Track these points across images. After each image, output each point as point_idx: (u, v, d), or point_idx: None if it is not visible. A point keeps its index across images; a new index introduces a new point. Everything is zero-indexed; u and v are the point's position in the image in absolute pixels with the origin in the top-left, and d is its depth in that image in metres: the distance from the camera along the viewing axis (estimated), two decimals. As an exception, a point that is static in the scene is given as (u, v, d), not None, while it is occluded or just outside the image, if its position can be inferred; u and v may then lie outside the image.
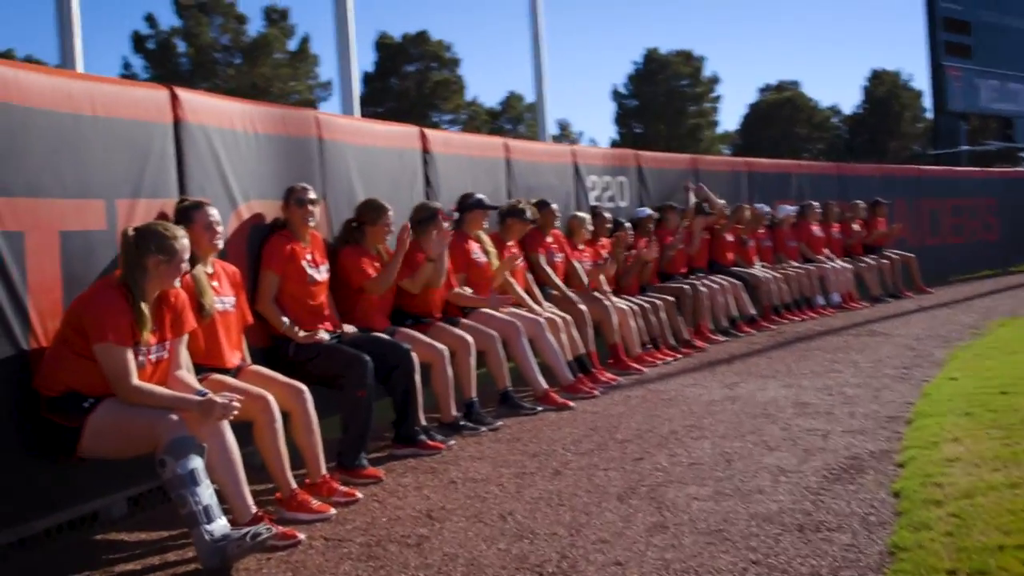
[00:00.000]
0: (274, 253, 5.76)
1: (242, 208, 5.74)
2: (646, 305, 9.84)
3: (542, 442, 6.26)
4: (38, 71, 4.48)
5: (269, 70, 37.22)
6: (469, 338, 6.96)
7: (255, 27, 39.12)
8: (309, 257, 5.93)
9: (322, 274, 6.01)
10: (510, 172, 9.12)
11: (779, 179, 14.47)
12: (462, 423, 6.71)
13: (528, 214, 8.36)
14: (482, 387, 7.10)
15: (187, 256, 4.45)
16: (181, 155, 5.27)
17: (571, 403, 7.47)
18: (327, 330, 5.95)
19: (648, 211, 10.86)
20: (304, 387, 5.13)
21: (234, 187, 5.67)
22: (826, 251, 13.90)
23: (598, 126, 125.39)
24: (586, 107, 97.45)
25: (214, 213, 5.08)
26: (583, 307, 8.72)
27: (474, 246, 7.84)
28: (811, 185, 14.92)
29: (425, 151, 7.84)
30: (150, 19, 37.13)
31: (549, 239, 9.06)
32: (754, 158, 15.67)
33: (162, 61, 36.73)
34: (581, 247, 9.56)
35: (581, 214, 9.72)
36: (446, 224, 7.04)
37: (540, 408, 7.35)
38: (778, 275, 12.44)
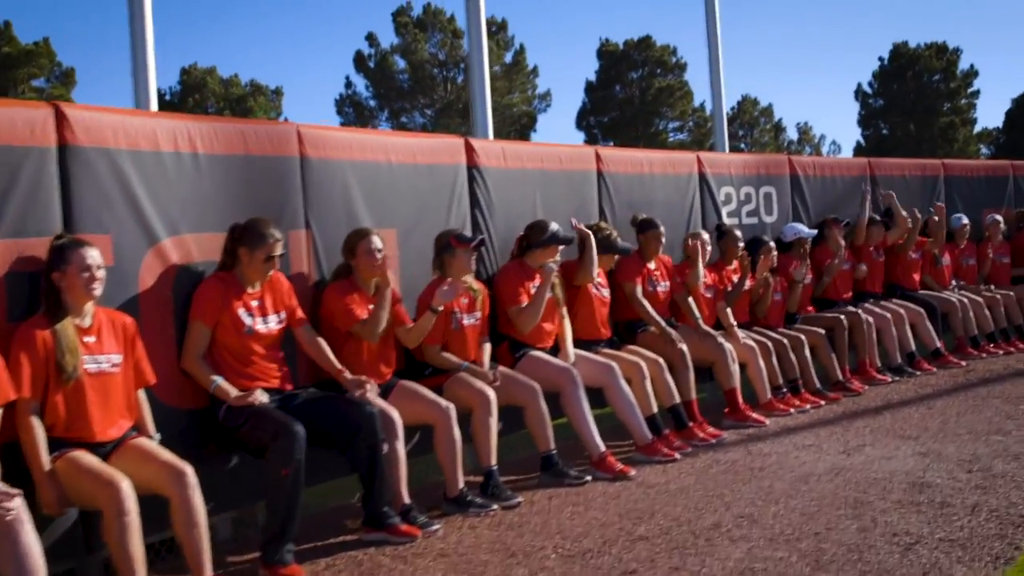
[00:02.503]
0: (200, 300, 4.78)
1: (166, 243, 4.78)
2: (784, 341, 8.24)
3: (540, 533, 4.93)
4: None
5: (486, 83, 37.02)
6: (489, 392, 5.73)
7: (473, 41, 39.16)
8: (255, 303, 4.92)
9: (269, 324, 4.96)
10: (604, 187, 7.78)
11: (988, 183, 12.15)
12: (469, 499, 5.50)
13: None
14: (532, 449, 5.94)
15: None
16: (66, 184, 4.40)
17: (631, 471, 6.08)
18: (274, 389, 4.92)
19: (799, 228, 9.19)
20: (187, 470, 4.10)
21: (153, 219, 4.73)
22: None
23: (843, 129, 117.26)
24: (829, 109, 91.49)
25: (93, 255, 4.18)
26: (683, 346, 7.26)
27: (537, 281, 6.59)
28: (1033, 189, 12.51)
29: (472, 165, 6.66)
30: (370, 38, 37.83)
31: (651, 265, 7.67)
32: (952, 160, 13.38)
33: (381, 79, 37.33)
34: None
35: (698, 231, 8.25)
36: (464, 250, 5.90)
37: (588, 478, 6.02)
38: (978, 299, 10.35)
